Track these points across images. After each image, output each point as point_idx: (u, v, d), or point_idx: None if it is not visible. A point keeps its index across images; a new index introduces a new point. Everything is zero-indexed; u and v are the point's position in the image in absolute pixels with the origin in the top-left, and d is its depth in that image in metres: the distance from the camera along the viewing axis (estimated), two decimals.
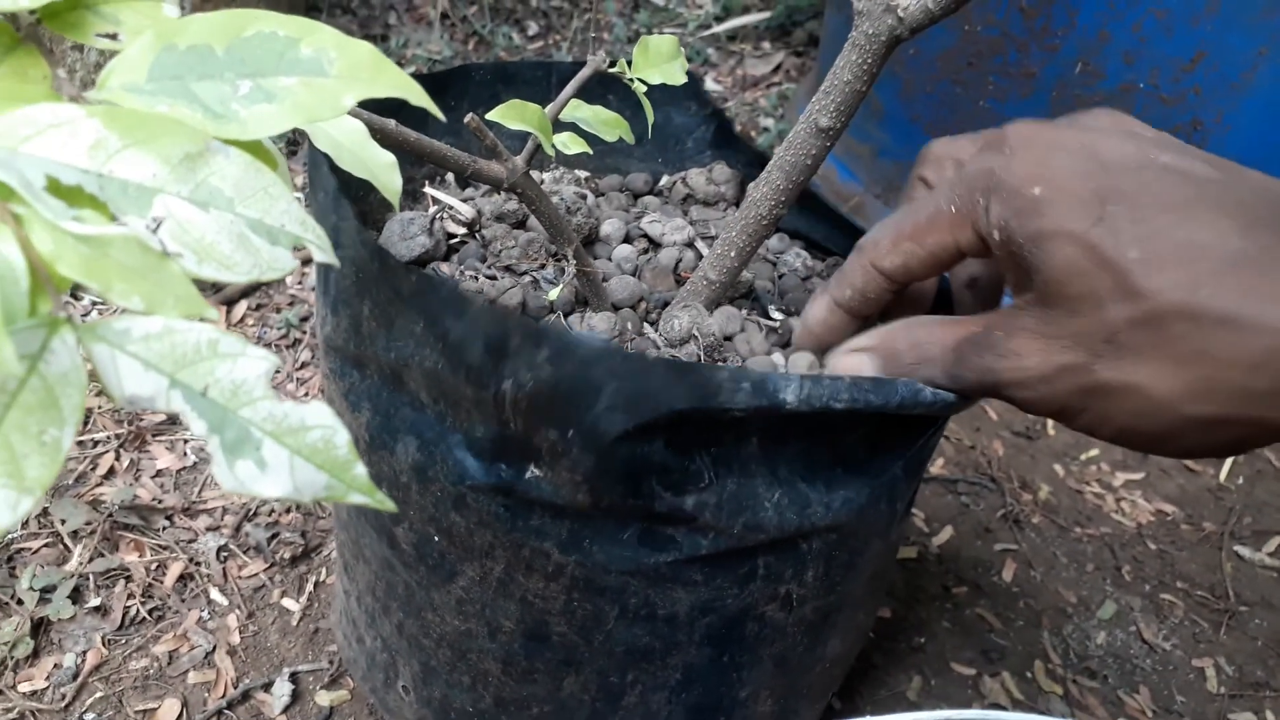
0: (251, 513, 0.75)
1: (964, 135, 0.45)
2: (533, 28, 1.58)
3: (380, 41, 1.44)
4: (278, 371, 0.85)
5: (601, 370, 0.39)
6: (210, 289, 0.94)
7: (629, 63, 0.48)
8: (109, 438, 0.79)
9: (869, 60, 0.45)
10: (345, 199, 0.44)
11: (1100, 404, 0.36)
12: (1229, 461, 1.02)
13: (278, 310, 0.94)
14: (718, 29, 1.69)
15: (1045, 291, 0.36)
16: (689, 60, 1.62)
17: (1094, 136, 0.37)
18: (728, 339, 0.51)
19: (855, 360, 0.44)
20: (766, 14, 1.71)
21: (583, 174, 0.68)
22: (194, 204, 0.25)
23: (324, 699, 0.63)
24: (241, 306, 0.94)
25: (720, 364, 0.48)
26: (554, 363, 0.40)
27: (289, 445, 0.24)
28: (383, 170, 0.34)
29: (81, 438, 0.79)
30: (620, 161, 0.69)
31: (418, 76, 0.63)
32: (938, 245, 0.40)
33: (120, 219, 0.24)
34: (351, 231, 0.43)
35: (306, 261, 0.97)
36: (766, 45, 1.68)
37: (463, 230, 0.55)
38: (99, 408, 0.82)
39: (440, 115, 0.30)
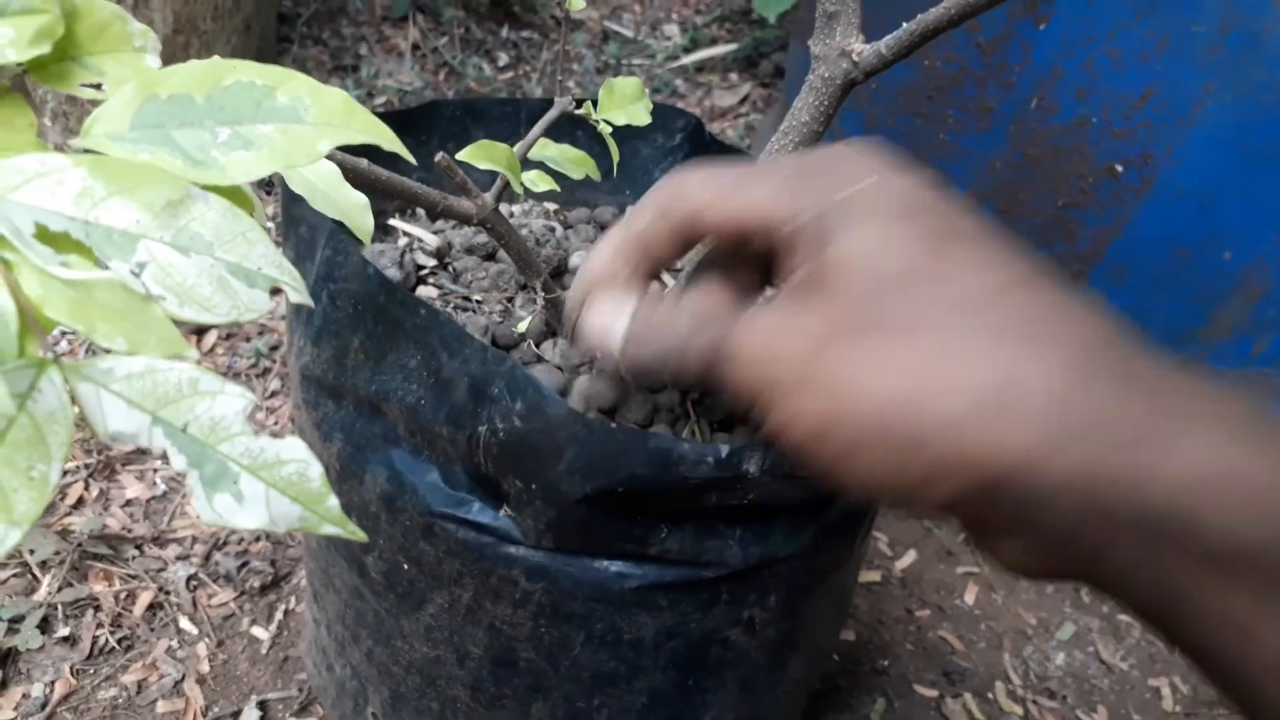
0: (221, 542, 0.75)
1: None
2: (503, 59, 1.60)
3: (351, 72, 1.45)
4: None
5: (565, 434, 0.40)
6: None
7: (594, 103, 0.49)
8: (78, 467, 0.79)
9: (825, 102, 0.47)
10: (345, 236, 0.45)
11: (798, 398, 0.31)
12: None
13: (247, 339, 0.95)
14: (685, 60, 1.72)
15: (814, 272, 0.32)
16: (657, 91, 1.65)
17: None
18: None
19: (602, 319, 0.36)
20: (733, 46, 1.74)
21: (552, 207, 0.69)
22: (176, 249, 0.26)
23: None
24: (211, 336, 0.94)
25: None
26: (524, 418, 0.41)
27: (265, 479, 0.25)
28: (355, 211, 0.35)
29: None
30: (589, 195, 0.71)
31: (389, 111, 0.64)
32: (746, 219, 0.34)
33: (105, 264, 0.25)
34: (355, 265, 0.44)
35: (276, 291, 0.98)
36: (734, 77, 1.71)
37: (432, 262, 0.56)
38: None
39: (411, 158, 0.32)
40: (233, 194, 0.29)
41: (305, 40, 1.48)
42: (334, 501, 0.26)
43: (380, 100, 1.41)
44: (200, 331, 0.94)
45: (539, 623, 0.48)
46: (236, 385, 0.25)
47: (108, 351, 0.25)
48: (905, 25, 0.43)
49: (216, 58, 0.30)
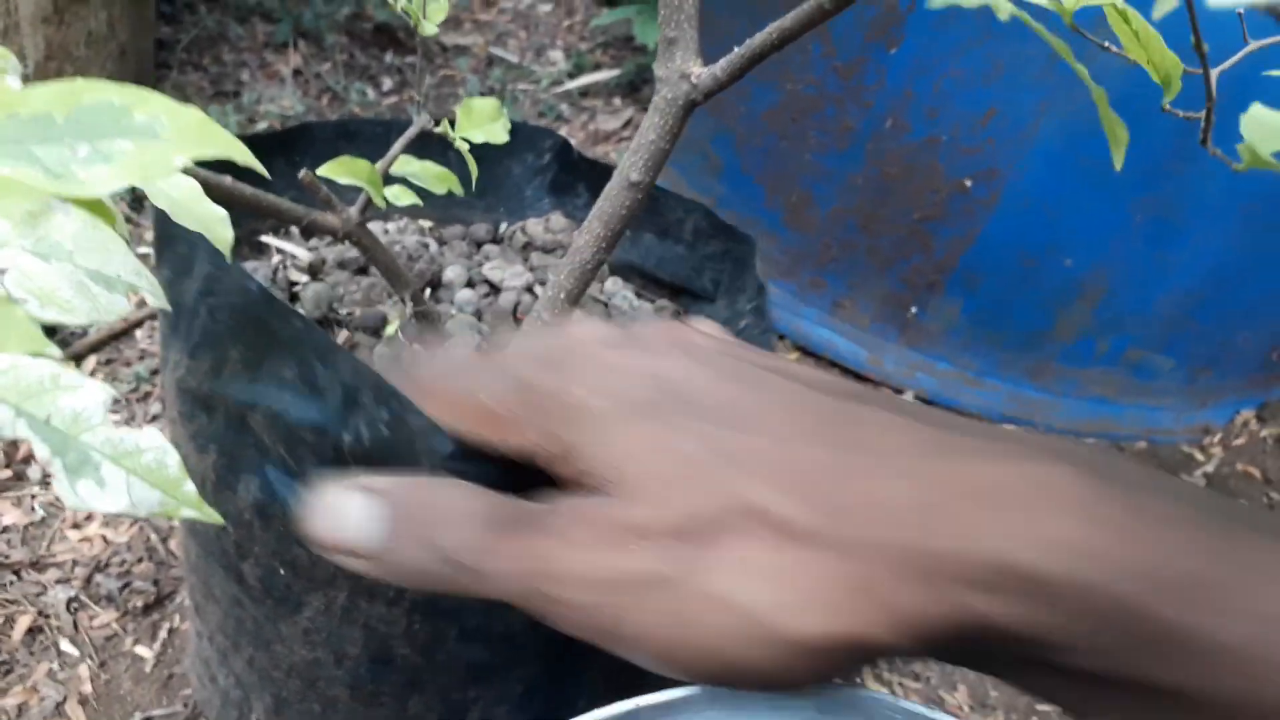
0: (103, 564, 0.75)
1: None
2: (387, 84, 1.61)
3: (233, 98, 1.45)
4: (121, 413, 0.85)
5: (423, 445, 0.42)
6: (58, 344, 0.93)
7: (452, 123, 0.52)
8: None
9: (670, 122, 0.50)
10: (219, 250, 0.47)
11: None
12: None
13: (128, 364, 0.94)
14: (570, 85, 1.75)
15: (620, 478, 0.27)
16: (542, 115, 1.68)
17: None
18: None
19: (359, 503, 0.30)
20: (616, 71, 1.78)
21: (427, 224, 0.72)
22: (37, 256, 0.28)
23: None
24: (91, 361, 0.94)
25: None
26: (390, 425, 0.43)
27: (126, 466, 0.27)
28: (215, 224, 0.37)
29: None
30: (463, 212, 0.73)
31: (265, 134, 0.66)
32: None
33: None
34: (236, 278, 0.46)
35: (153, 317, 0.98)
36: (617, 101, 1.75)
37: (305, 278, 0.58)
38: None
39: (265, 173, 0.34)
40: (94, 206, 0.31)
41: (185, 66, 1.47)
42: (190, 487, 0.28)
43: (262, 126, 1.41)
44: (79, 358, 0.93)
45: (413, 619, 0.50)
46: (97, 381, 0.27)
47: None
48: (736, 50, 0.47)
49: (79, 79, 0.32)
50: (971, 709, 0.82)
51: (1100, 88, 0.33)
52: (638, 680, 0.58)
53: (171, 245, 0.51)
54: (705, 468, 0.27)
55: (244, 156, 0.34)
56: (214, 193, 0.42)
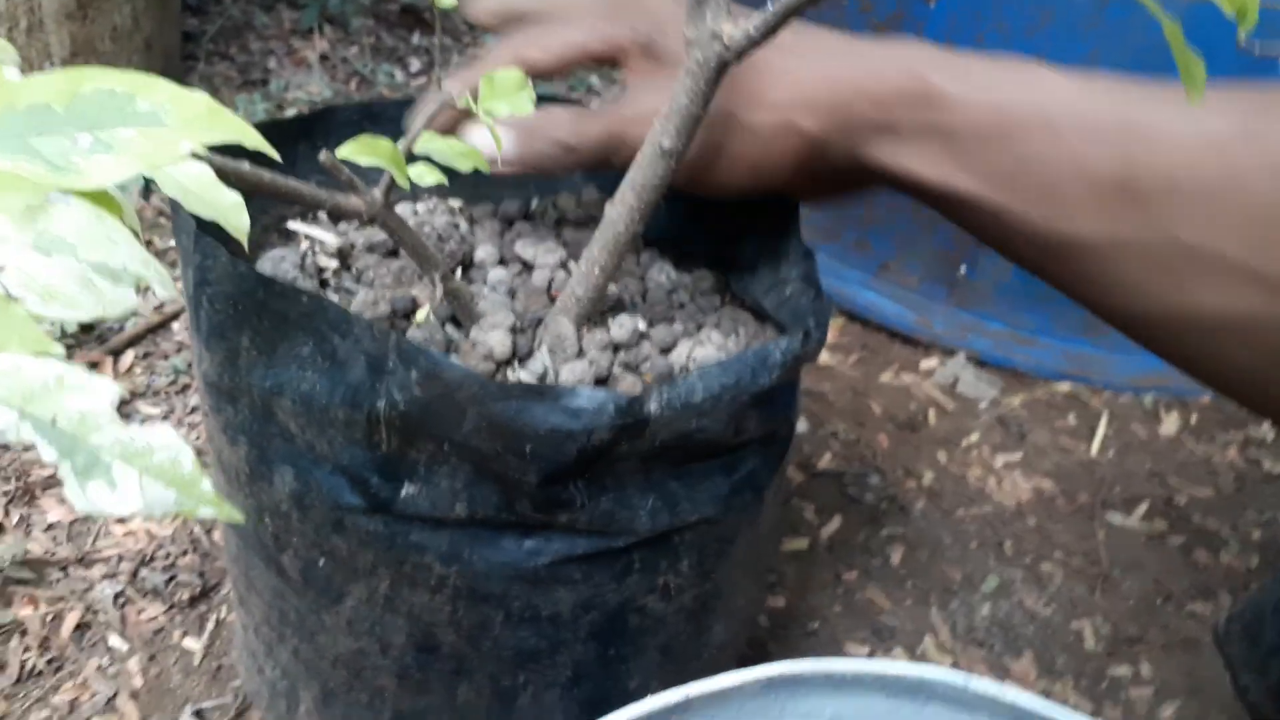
0: (148, 558, 0.75)
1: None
2: (414, 65, 1.60)
3: (261, 86, 1.44)
4: (160, 407, 0.85)
5: (464, 395, 0.42)
6: (95, 340, 0.94)
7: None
8: None
9: (702, 85, 0.48)
10: (210, 237, 0.46)
11: (708, 134, 0.49)
12: (1099, 437, 1.08)
13: (165, 357, 0.94)
14: None
15: (669, 58, 0.50)
16: (572, 89, 1.66)
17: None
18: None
19: (484, 132, 0.50)
20: None
21: (456, 203, 0.70)
22: (38, 251, 0.27)
23: None
24: (129, 355, 0.94)
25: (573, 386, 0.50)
26: (423, 385, 0.42)
27: (138, 466, 0.26)
28: (230, 211, 0.36)
29: None
30: (493, 190, 0.72)
31: (287, 119, 0.65)
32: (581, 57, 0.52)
33: None
34: (224, 266, 0.45)
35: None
36: None
37: (335, 263, 0.57)
38: None
39: (276, 156, 0.33)
40: (99, 197, 0.30)
41: (212, 57, 1.47)
42: (208, 485, 0.27)
43: (291, 113, 1.40)
44: (117, 352, 0.93)
45: (456, 606, 0.49)
46: (103, 379, 0.26)
47: None
48: (770, 7, 0.45)
49: (75, 68, 0.31)
50: (1039, 675, 0.80)
51: (1173, 22, 0.31)
52: (687, 663, 0.57)
53: (177, 237, 0.50)
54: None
55: (254, 140, 0.33)
56: (232, 179, 0.40)
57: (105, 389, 0.26)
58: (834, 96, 0.49)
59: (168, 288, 0.28)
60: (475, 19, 0.59)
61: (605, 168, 0.53)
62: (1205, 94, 0.39)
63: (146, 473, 0.26)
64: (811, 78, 0.49)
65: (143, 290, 0.28)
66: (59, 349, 0.26)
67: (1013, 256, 0.50)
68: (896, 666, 0.34)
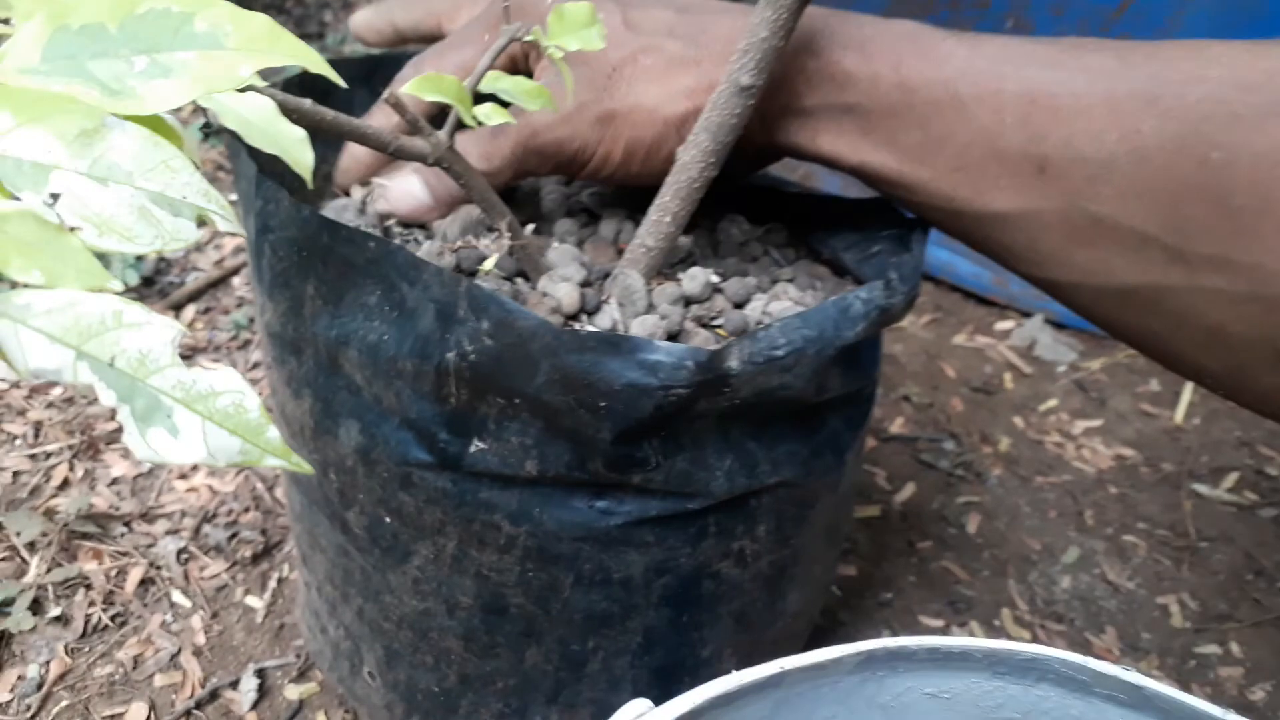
0: (210, 514, 0.74)
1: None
2: None
3: (317, 39, 1.43)
4: (222, 362, 0.84)
5: (538, 345, 0.39)
6: (157, 294, 0.93)
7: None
8: (61, 449, 0.78)
9: (783, 15, 0.45)
10: (272, 182, 0.44)
11: (610, 129, 0.49)
12: (1184, 403, 1.03)
13: (226, 313, 0.94)
14: None
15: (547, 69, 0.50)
16: None
17: None
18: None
19: (405, 181, 0.51)
20: None
21: None
22: (92, 179, 0.25)
23: (292, 693, 0.63)
24: (190, 310, 0.93)
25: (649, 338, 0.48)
26: (494, 335, 0.40)
27: (200, 411, 0.24)
28: (294, 146, 0.34)
29: (33, 450, 0.78)
30: None
31: (348, 58, 0.63)
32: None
33: (16, 196, 0.24)
34: (288, 210, 0.43)
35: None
36: None
37: None
38: (49, 419, 0.81)
39: (341, 82, 0.30)
40: (155, 124, 0.27)
41: (268, 9, 1.46)
42: (274, 433, 0.25)
43: None
44: (178, 307, 0.93)
45: (526, 567, 0.47)
46: (164, 315, 0.24)
47: (26, 286, 0.23)
48: None
49: None
50: (1122, 652, 0.76)
51: None
52: (762, 631, 0.55)
53: (236, 181, 0.48)
54: (626, 32, 0.50)
55: (317, 64, 0.31)
56: (294, 117, 0.38)
57: (166, 326, 0.24)
58: None
59: (230, 221, 0.26)
60: (360, 39, 0.60)
61: (532, 176, 0.53)
62: (1120, 49, 0.42)
63: (210, 418, 0.24)
64: (718, 68, 0.48)
65: (202, 229, 0.26)
66: (117, 283, 0.24)
67: (939, 226, 0.50)
68: (1007, 644, 0.32)
